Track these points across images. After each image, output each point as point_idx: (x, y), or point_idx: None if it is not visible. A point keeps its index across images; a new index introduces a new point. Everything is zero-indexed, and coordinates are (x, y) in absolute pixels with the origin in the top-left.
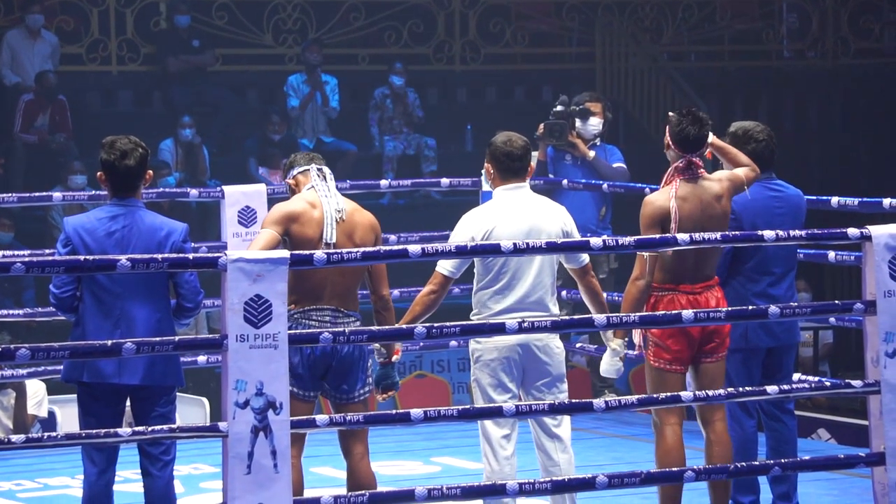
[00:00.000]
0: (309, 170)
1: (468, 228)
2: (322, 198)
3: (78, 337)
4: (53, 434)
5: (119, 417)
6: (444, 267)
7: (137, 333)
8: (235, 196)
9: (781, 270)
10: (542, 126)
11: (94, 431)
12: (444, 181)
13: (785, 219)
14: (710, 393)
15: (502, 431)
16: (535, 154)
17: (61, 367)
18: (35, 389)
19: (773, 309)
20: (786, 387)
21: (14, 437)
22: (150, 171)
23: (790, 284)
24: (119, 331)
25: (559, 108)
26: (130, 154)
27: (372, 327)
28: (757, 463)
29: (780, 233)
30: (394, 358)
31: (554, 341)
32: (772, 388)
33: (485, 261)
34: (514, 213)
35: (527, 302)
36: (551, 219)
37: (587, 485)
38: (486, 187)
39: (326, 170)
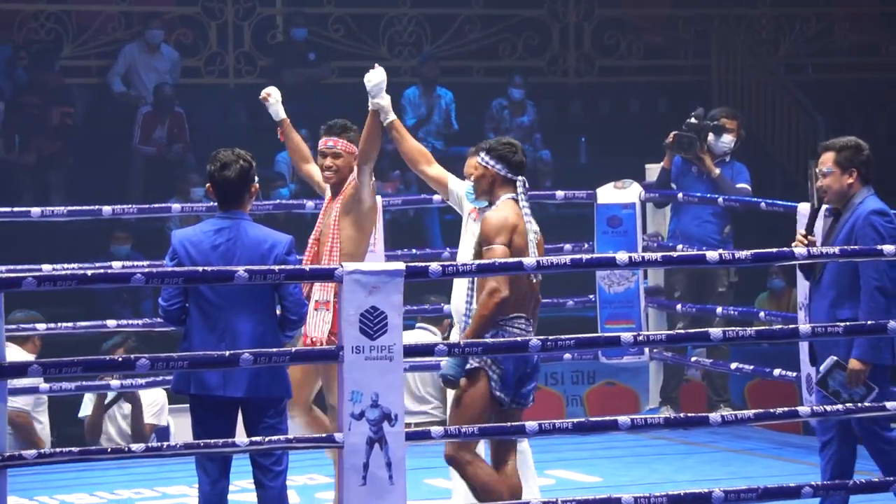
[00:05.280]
0: (516, 181)
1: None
2: (526, 223)
3: (185, 350)
4: (172, 443)
5: (230, 428)
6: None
7: (241, 346)
8: None
9: None
10: (672, 135)
11: (213, 441)
12: (559, 194)
13: None
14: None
15: None
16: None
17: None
18: (154, 398)
19: (805, 328)
20: (819, 409)
21: (134, 446)
22: (256, 185)
23: None
24: (223, 343)
25: (693, 120)
26: (230, 166)
27: (487, 339)
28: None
29: (796, 250)
30: None
31: None
32: (803, 410)
33: None
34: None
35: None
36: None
37: (703, 500)
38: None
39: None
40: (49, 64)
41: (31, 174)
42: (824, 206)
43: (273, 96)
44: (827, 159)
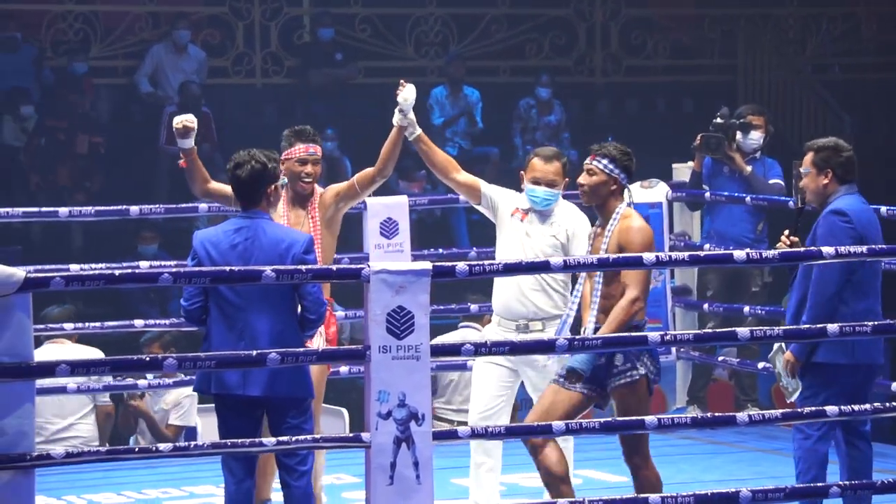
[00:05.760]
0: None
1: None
2: None
3: (206, 350)
4: (199, 443)
5: (254, 428)
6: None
7: (260, 345)
8: (377, 208)
9: (877, 285)
10: (699, 137)
11: (240, 441)
12: None
13: (879, 230)
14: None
15: None
16: (691, 164)
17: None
18: (179, 399)
19: (833, 328)
20: (856, 407)
21: (161, 446)
22: (276, 185)
23: (879, 298)
24: (243, 343)
25: (719, 120)
26: (242, 166)
27: (514, 339)
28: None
29: (842, 249)
30: None
31: None
32: (831, 410)
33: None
34: None
35: None
36: None
37: (730, 499)
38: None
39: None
40: (73, 72)
41: (53, 197)
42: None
43: (195, 126)
44: (806, 160)
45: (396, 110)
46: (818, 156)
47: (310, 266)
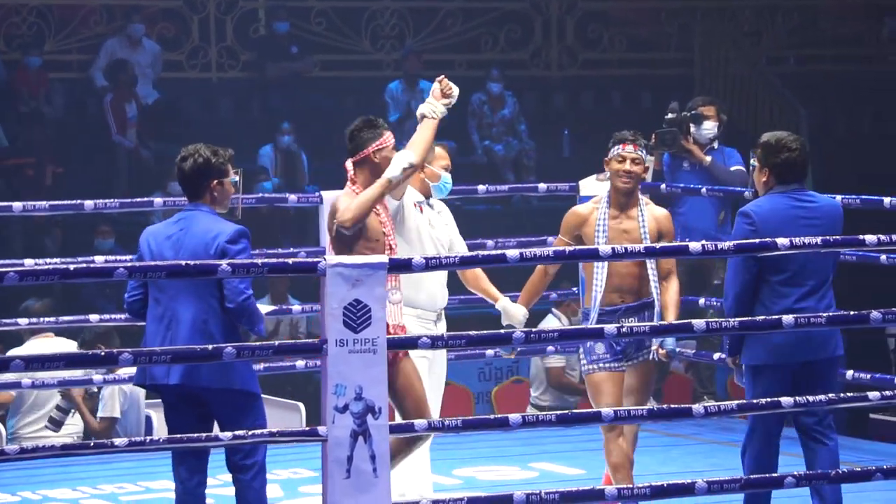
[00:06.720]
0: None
1: None
2: None
3: (143, 342)
4: (155, 438)
5: (193, 423)
6: None
7: (181, 334)
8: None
9: (814, 283)
10: (654, 135)
11: (195, 436)
12: (542, 186)
13: (814, 231)
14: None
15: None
16: (651, 158)
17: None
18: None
19: (788, 319)
20: (802, 399)
21: (117, 441)
22: (223, 181)
23: (823, 296)
24: (170, 332)
25: (670, 115)
26: (186, 159)
27: (470, 332)
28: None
29: (796, 240)
30: None
31: None
32: (786, 401)
33: None
34: None
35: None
36: None
37: (686, 490)
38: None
39: None
40: (28, 66)
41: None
42: None
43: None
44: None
45: (438, 103)
46: (760, 152)
47: (265, 261)
